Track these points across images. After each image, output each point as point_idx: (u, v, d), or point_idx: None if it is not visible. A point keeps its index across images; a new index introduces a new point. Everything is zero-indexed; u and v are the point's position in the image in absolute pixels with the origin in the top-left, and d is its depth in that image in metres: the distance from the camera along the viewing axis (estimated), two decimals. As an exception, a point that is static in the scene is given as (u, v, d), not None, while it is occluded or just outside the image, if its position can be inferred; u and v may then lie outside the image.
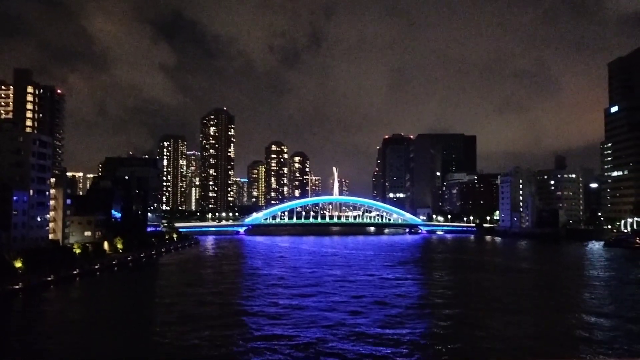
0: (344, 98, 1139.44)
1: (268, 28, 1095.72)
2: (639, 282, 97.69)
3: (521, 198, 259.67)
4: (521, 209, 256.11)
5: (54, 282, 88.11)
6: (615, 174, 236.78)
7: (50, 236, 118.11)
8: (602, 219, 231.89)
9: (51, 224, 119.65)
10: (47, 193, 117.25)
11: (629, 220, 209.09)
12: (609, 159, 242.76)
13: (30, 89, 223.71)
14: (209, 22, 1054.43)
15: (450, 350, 48.38)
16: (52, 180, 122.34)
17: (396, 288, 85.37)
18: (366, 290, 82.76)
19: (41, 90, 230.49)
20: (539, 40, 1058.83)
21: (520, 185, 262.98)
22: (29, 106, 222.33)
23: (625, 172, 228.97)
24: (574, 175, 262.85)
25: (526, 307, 70.75)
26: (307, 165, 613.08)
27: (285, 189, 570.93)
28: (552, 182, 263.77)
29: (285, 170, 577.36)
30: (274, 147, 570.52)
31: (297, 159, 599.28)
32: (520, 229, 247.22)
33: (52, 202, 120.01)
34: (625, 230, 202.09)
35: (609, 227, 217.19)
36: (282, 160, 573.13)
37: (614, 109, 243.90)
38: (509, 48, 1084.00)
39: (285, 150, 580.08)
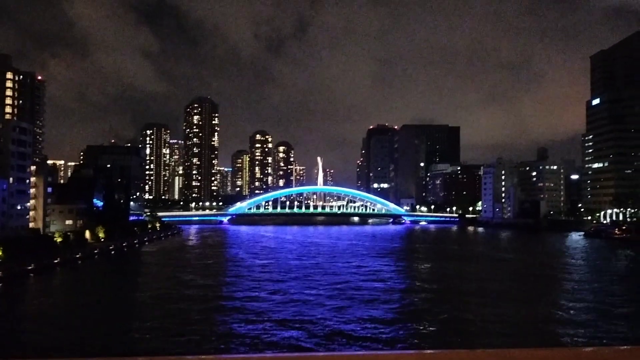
0: (329, 87, 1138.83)
1: (253, 15, 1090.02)
2: (616, 272, 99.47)
3: (503, 189, 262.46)
4: (503, 200, 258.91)
5: (34, 271, 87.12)
6: (595, 165, 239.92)
7: (31, 225, 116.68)
8: (582, 210, 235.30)
9: (32, 213, 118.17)
10: (28, 181, 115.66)
11: (609, 211, 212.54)
12: (590, 150, 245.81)
13: (9, 75, 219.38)
14: (192, 8, 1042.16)
15: (428, 336, 48.87)
16: (33, 168, 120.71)
17: (377, 276, 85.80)
18: (347, 278, 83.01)
19: (21, 77, 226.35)
20: (525, 32, 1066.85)
21: (503, 177, 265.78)
22: (9, 92, 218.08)
23: (606, 164, 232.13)
24: (555, 167, 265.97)
25: (504, 295, 71.60)
26: (292, 155, 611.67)
27: (270, 178, 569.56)
28: (534, 173, 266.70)
29: (270, 159, 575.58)
30: (258, 137, 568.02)
31: (281, 148, 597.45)
32: (502, 219, 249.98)
33: (32, 190, 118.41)
34: (605, 222, 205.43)
35: (589, 218, 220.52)
36: (266, 149, 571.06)
37: (596, 101, 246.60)
38: (494, 39, 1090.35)
39: (270, 139, 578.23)
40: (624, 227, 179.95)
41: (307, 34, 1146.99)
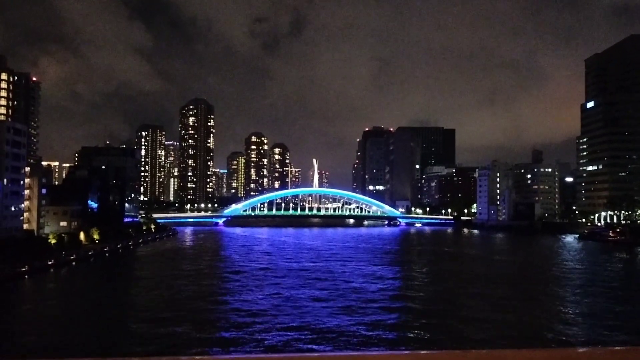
0: (326, 87, 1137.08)
1: (249, 12, 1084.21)
2: (610, 274, 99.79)
3: (498, 191, 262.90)
4: (498, 202, 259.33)
5: (28, 273, 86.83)
6: (590, 168, 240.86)
7: (25, 226, 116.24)
8: (576, 212, 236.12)
9: (26, 214, 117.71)
10: (22, 182, 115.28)
11: (603, 214, 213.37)
12: (585, 153, 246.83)
13: (4, 76, 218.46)
14: (186, 3, 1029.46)
15: (426, 338, 48.91)
16: (27, 169, 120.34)
17: (373, 278, 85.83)
18: (344, 280, 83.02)
19: (16, 77, 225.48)
20: (524, 33, 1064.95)
21: (498, 179, 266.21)
22: (3, 93, 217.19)
23: (600, 167, 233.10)
24: (550, 170, 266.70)
25: (496, 297, 71.77)
26: (287, 157, 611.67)
27: (265, 180, 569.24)
28: (529, 175, 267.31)
29: (265, 161, 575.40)
30: (254, 138, 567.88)
31: (277, 150, 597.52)
32: (497, 221, 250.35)
33: (26, 192, 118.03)
34: (599, 224, 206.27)
35: (584, 220, 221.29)
36: (262, 151, 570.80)
37: (590, 104, 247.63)
38: (493, 40, 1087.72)
39: (266, 141, 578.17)
40: (618, 230, 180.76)
41: (303, 32, 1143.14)
